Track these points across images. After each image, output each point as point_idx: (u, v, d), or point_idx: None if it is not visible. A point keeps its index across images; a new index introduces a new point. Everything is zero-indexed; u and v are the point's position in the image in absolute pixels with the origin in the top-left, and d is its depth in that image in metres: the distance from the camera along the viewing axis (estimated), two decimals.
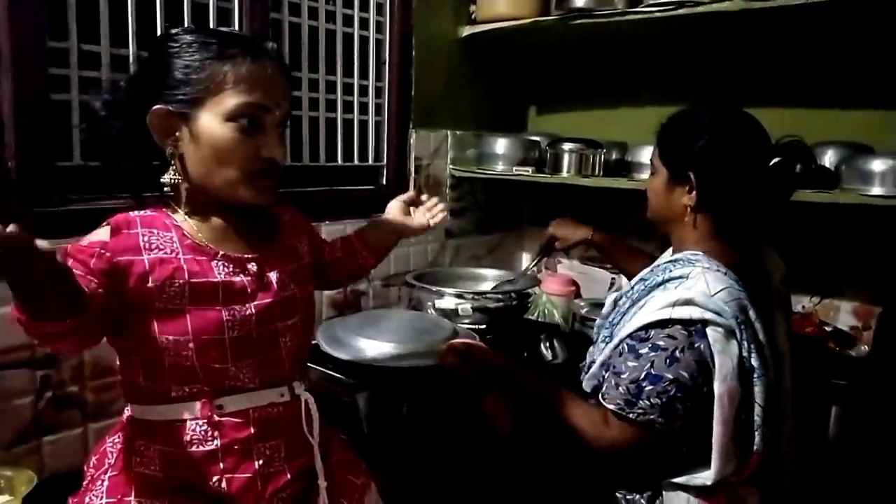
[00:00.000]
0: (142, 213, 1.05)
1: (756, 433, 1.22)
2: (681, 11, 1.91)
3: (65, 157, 1.45)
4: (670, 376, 1.17)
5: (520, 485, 1.45)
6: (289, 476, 1.08)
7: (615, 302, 1.42)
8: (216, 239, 1.06)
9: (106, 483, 1.04)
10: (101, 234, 0.99)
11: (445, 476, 1.56)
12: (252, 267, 1.07)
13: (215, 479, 1.03)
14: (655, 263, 1.38)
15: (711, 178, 1.28)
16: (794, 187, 1.35)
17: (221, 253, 1.05)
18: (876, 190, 1.76)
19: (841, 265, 2.14)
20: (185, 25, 1.09)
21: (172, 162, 1.04)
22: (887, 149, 1.85)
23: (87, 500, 1.05)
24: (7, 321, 1.30)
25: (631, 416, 1.20)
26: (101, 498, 1.03)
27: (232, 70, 0.99)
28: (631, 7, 2.03)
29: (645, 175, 2.21)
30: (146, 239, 1.01)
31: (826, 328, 2.07)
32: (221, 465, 1.03)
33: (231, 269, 1.05)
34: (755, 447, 1.22)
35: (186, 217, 1.06)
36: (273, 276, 1.10)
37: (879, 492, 1.65)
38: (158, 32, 1.56)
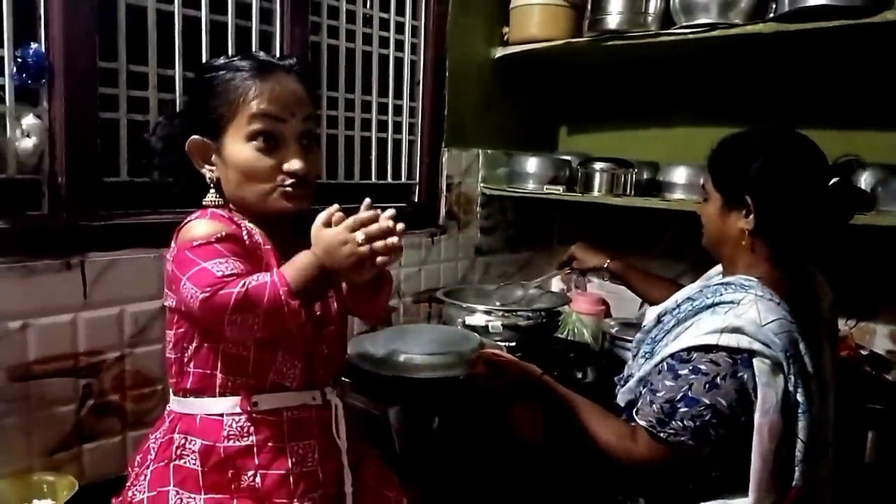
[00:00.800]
0: (215, 210, 1.11)
1: (796, 468, 1.18)
2: (714, 33, 1.92)
3: (112, 173, 1.50)
4: (707, 401, 1.15)
5: (549, 497, 1.45)
6: (321, 476, 1.12)
7: (659, 318, 1.38)
8: (278, 247, 1.13)
9: (148, 477, 1.08)
10: (209, 224, 1.04)
11: (476, 490, 1.56)
12: None
13: (250, 473, 1.07)
14: (705, 284, 1.34)
15: (769, 201, 1.25)
16: (855, 208, 1.30)
17: (276, 259, 1.11)
18: None
19: (877, 288, 2.11)
20: (215, 59, 1.16)
21: (211, 185, 1.12)
22: None
23: (130, 494, 1.09)
24: (52, 331, 1.36)
25: (661, 434, 1.18)
26: (144, 491, 1.07)
27: (244, 90, 1.06)
28: (663, 28, 2.05)
29: (677, 195, 2.21)
30: (240, 226, 1.08)
31: (862, 352, 2.03)
32: (256, 460, 1.07)
33: None
34: (794, 482, 1.18)
35: (247, 221, 1.13)
36: (332, 302, 1.17)
37: None
38: (203, 55, 1.62)
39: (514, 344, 1.92)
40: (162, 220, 1.53)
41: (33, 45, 1.34)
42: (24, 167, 1.36)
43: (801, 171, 1.25)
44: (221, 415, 1.08)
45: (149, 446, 1.13)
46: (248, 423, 1.08)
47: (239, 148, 1.07)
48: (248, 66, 1.08)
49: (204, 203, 1.13)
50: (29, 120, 1.35)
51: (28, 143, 1.34)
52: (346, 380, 1.60)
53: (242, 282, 0.94)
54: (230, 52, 1.67)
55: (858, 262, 2.08)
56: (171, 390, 1.14)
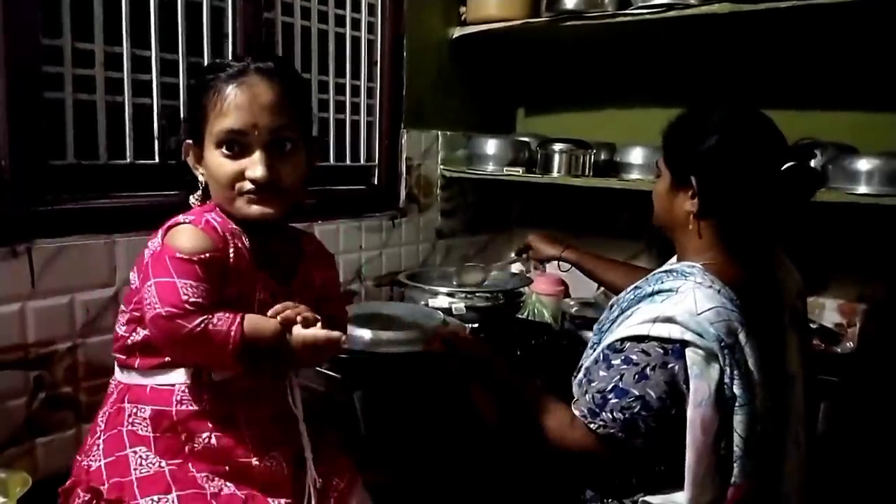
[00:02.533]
0: (211, 213, 1.11)
1: (735, 464, 1.14)
2: (670, 14, 1.94)
3: (58, 156, 1.44)
4: (637, 392, 1.12)
5: (505, 482, 1.46)
6: (278, 438, 1.13)
7: (609, 307, 1.36)
8: (258, 257, 1.12)
9: (102, 446, 1.07)
10: (199, 237, 1.04)
11: (442, 473, 1.56)
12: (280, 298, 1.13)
13: (204, 435, 1.07)
14: (653, 272, 1.30)
15: (714, 183, 1.20)
16: (812, 192, 1.24)
17: (261, 273, 1.12)
18: (862, 189, 1.79)
19: (825, 263, 2.17)
20: (209, 63, 1.17)
21: (201, 186, 1.14)
22: (871, 149, 1.89)
23: (85, 465, 1.07)
24: None
25: (592, 426, 1.16)
26: (100, 459, 1.06)
27: (213, 98, 1.07)
28: (621, 9, 2.06)
29: (634, 175, 2.24)
30: (228, 241, 1.08)
31: (812, 325, 2.10)
32: (210, 423, 1.08)
33: (265, 293, 1.12)
34: (733, 479, 1.14)
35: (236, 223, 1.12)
36: None
37: (870, 487, 1.68)
38: (151, 31, 1.56)
39: (476, 325, 1.93)
40: (112, 205, 1.48)
41: None
42: None
43: (751, 153, 1.19)
44: (173, 384, 1.08)
45: (97, 421, 1.12)
46: (201, 390, 1.08)
47: (211, 153, 1.08)
48: (225, 72, 1.08)
49: (190, 202, 1.15)
50: None
51: None
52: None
53: (202, 320, 0.98)
54: (180, 29, 1.62)
55: (807, 239, 2.15)
56: (116, 363, 1.13)
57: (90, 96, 1.48)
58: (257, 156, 1.06)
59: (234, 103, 1.05)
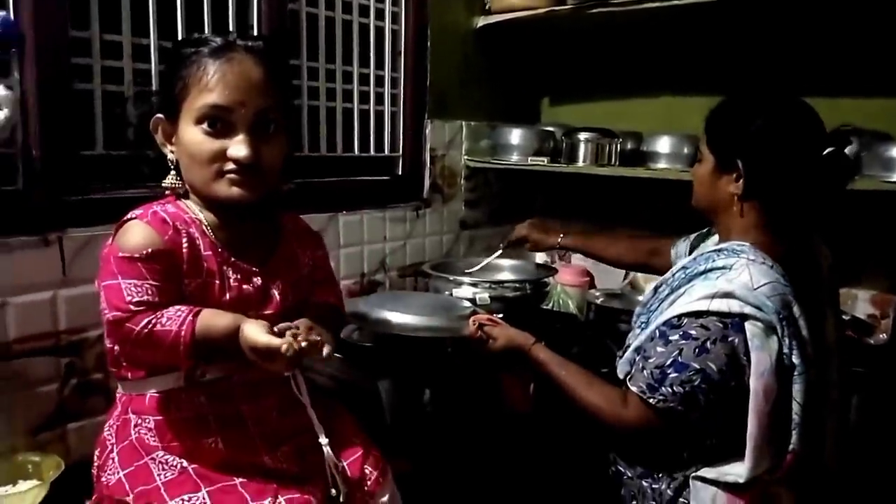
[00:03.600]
0: (164, 205, 1.08)
1: (793, 432, 1.19)
2: None
3: (88, 146, 1.46)
4: (697, 366, 1.16)
5: (540, 468, 1.46)
6: (287, 431, 1.12)
7: (655, 289, 1.38)
8: (227, 242, 1.10)
9: (117, 459, 1.07)
10: (142, 233, 1.01)
11: (467, 463, 1.56)
12: (257, 280, 1.11)
13: (210, 441, 1.05)
14: (699, 252, 1.34)
15: (760, 166, 1.24)
16: (849, 178, 1.29)
17: (233, 259, 1.09)
18: None
19: (859, 254, 2.13)
20: (188, 36, 1.13)
21: (172, 167, 1.10)
22: None
23: (103, 481, 1.07)
24: (31, 310, 1.33)
25: (651, 400, 1.19)
26: (117, 471, 1.05)
27: (196, 73, 1.03)
28: None
29: (661, 164, 2.21)
30: (181, 232, 1.04)
31: (844, 317, 2.06)
32: (214, 426, 1.06)
33: (239, 278, 1.09)
34: (791, 446, 1.19)
35: (202, 210, 1.10)
36: (276, 290, 1.13)
37: None
38: (179, 23, 1.57)
39: (500, 316, 1.92)
40: (141, 195, 1.47)
41: (2, 13, 1.28)
42: None
43: (796, 138, 1.24)
44: (169, 390, 1.06)
45: (105, 436, 1.12)
46: (198, 393, 1.06)
47: (188, 129, 1.04)
48: (208, 46, 1.04)
49: (164, 185, 1.11)
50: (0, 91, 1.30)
51: (0, 116, 1.29)
52: (338, 355, 1.60)
53: (147, 321, 0.95)
54: (206, 20, 1.63)
55: (840, 228, 2.10)
56: (115, 377, 1.13)
57: (118, 87, 1.49)
58: (241, 136, 1.03)
59: (222, 79, 1.01)
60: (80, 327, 1.42)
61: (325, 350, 1.03)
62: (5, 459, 1.29)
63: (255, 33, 1.13)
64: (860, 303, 2.15)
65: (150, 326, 0.95)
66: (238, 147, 1.03)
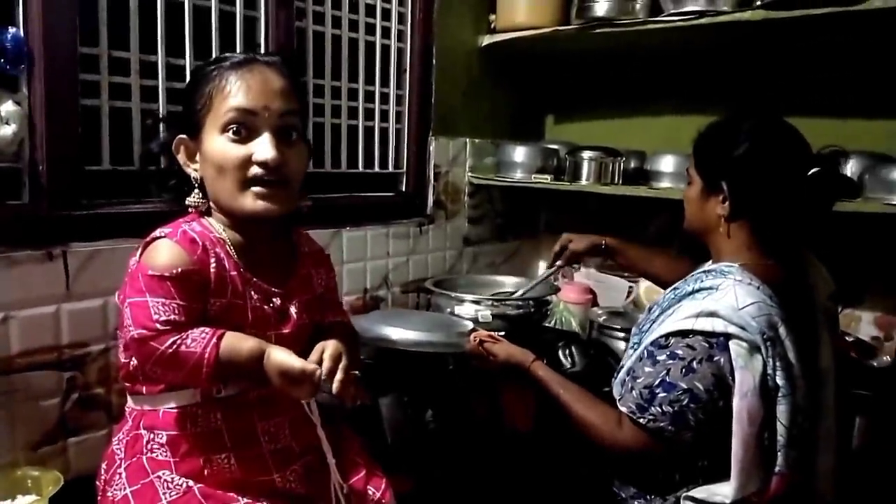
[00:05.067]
0: (190, 223, 1.08)
1: (779, 453, 1.18)
2: (702, 21, 1.91)
3: (94, 162, 1.47)
4: (684, 386, 1.16)
5: (539, 486, 1.45)
6: (297, 450, 1.12)
7: (649, 310, 1.40)
8: (249, 263, 1.10)
9: (124, 474, 1.06)
10: (173, 252, 1.01)
11: (468, 481, 1.56)
12: (276, 301, 1.12)
13: (223, 456, 1.05)
14: (691, 274, 1.36)
15: (744, 188, 1.26)
16: (836, 198, 1.31)
17: (254, 280, 1.09)
18: None
19: (862, 276, 2.12)
20: (205, 60, 1.14)
21: (196, 185, 1.10)
22: None
23: (109, 495, 1.06)
24: (34, 324, 1.33)
25: (641, 420, 1.20)
26: (124, 488, 1.04)
27: (219, 83, 1.04)
28: (652, 16, 2.04)
29: (664, 183, 2.22)
30: (209, 252, 1.05)
31: (847, 338, 2.05)
32: (228, 443, 1.06)
33: (259, 297, 1.10)
34: (777, 468, 1.19)
35: (225, 229, 1.10)
36: (293, 309, 1.14)
37: None
38: (186, 40, 1.58)
39: (503, 334, 1.91)
40: (145, 210, 1.50)
41: (11, 30, 1.29)
42: (3, 155, 1.32)
43: (778, 159, 1.26)
44: (184, 406, 1.06)
45: (113, 449, 1.12)
46: (214, 409, 1.06)
47: (214, 140, 1.05)
48: (228, 61, 1.07)
49: (188, 203, 1.11)
50: (8, 106, 1.30)
51: (7, 131, 1.30)
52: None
53: (173, 341, 0.96)
54: (214, 37, 1.64)
55: (843, 250, 2.10)
56: (127, 391, 1.13)
57: (125, 103, 1.51)
58: (266, 137, 1.04)
59: (245, 84, 1.03)
60: (83, 342, 1.43)
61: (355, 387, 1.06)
62: (5, 474, 1.29)
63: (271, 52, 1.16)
64: (864, 325, 2.14)
65: (174, 347, 0.96)
66: (264, 149, 1.03)
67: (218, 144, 1.04)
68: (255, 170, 1.04)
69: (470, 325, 1.68)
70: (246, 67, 1.05)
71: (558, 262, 1.85)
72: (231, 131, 1.03)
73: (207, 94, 1.05)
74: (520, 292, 2.05)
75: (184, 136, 1.09)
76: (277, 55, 1.12)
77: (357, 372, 1.06)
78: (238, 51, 1.68)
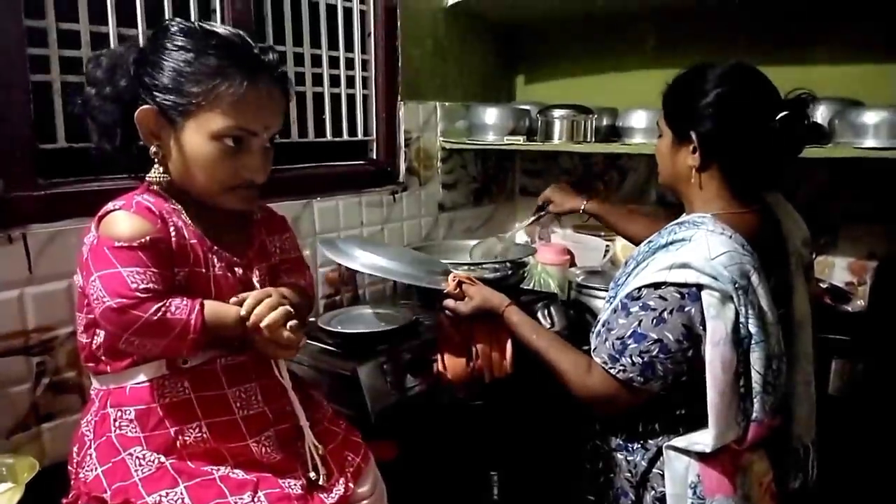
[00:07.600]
0: (142, 195, 1.05)
1: (755, 400, 1.19)
2: None
3: (48, 140, 1.42)
4: (654, 336, 1.17)
5: (525, 440, 1.45)
6: (270, 415, 1.10)
7: (625, 264, 1.39)
8: (207, 231, 1.09)
9: (94, 455, 1.04)
10: (135, 222, 0.98)
11: (449, 448, 1.56)
12: (239, 270, 1.11)
13: (194, 425, 1.04)
14: (666, 226, 1.35)
15: (712, 136, 1.25)
16: (806, 141, 1.30)
17: (216, 248, 1.08)
18: (870, 142, 1.75)
19: (834, 221, 2.14)
20: (187, 21, 1.06)
21: (156, 160, 1.05)
22: (878, 102, 1.84)
23: (81, 477, 1.05)
24: None
25: (612, 371, 1.22)
26: (95, 468, 1.03)
27: (225, 91, 1.00)
28: None
29: (637, 139, 2.21)
30: (167, 220, 1.03)
31: (821, 284, 2.08)
32: (199, 412, 1.04)
33: (223, 265, 1.09)
34: (754, 415, 1.20)
35: (178, 204, 1.08)
36: (255, 278, 1.13)
37: (880, 444, 1.66)
38: (137, 8, 1.52)
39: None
40: (105, 188, 1.45)
41: None
42: None
43: (745, 106, 1.25)
44: (151, 379, 1.04)
45: (82, 431, 1.09)
46: (182, 379, 1.05)
47: (201, 142, 1.01)
48: (240, 59, 1.01)
49: (148, 178, 1.06)
50: None
51: None
52: (317, 344, 1.58)
53: (158, 306, 0.94)
54: (167, 5, 1.58)
55: (815, 196, 2.11)
56: (90, 373, 1.11)
57: (79, 77, 1.45)
58: (259, 158, 1.06)
59: (253, 104, 1.02)
60: (50, 325, 1.39)
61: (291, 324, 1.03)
62: None
63: (273, 57, 1.09)
64: (837, 270, 2.17)
65: (159, 313, 0.94)
66: (256, 170, 1.06)
67: (207, 150, 1.02)
68: (239, 182, 1.06)
69: (447, 265, 1.66)
70: (257, 78, 1.02)
71: (534, 217, 1.93)
72: (227, 142, 1.02)
73: (208, 90, 0.99)
74: (500, 248, 2.06)
75: (152, 108, 1.01)
76: (276, 56, 1.08)
77: (296, 322, 1.03)
78: (193, 17, 1.62)
